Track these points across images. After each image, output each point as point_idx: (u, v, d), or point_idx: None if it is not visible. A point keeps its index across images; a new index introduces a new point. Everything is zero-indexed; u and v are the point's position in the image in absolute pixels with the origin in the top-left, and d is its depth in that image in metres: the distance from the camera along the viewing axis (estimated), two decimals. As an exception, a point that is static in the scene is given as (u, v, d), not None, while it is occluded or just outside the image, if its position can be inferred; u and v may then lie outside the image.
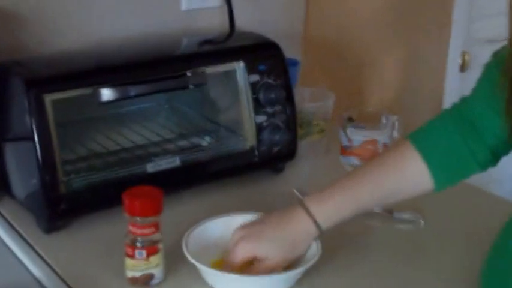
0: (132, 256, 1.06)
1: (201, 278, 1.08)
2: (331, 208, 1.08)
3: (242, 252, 1.06)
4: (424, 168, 1.06)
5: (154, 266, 1.07)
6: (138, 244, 1.05)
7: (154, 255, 1.06)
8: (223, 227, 1.13)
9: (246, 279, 1.05)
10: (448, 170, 1.06)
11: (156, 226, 1.06)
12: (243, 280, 1.05)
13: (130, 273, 1.07)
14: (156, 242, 1.06)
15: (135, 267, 1.06)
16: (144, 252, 1.06)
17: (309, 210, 1.07)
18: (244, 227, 1.10)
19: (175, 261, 1.10)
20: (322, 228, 1.07)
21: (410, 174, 1.08)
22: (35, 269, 1.11)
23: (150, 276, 1.07)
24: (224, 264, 1.08)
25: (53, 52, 1.38)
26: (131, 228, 1.06)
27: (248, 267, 1.07)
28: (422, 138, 1.08)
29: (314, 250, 1.08)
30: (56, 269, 1.12)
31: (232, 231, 1.09)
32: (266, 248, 1.06)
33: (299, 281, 1.08)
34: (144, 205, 1.05)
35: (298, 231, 1.07)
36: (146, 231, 1.05)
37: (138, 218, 1.05)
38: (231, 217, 1.15)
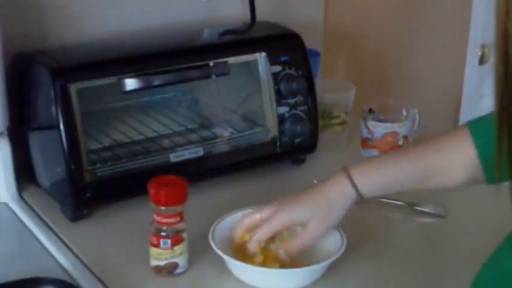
0: (156, 245, 1.07)
1: (225, 267, 1.08)
2: (371, 171, 1.05)
3: (280, 219, 1.05)
4: (475, 159, 1.00)
5: (179, 255, 1.08)
6: (163, 233, 1.06)
7: (179, 244, 1.07)
8: None
9: (272, 272, 1.05)
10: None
11: (181, 215, 1.07)
12: (269, 273, 1.05)
13: (154, 262, 1.08)
14: (180, 231, 1.07)
15: (160, 256, 1.07)
16: (169, 241, 1.06)
17: (348, 170, 1.04)
18: (279, 201, 1.08)
19: (199, 250, 1.11)
20: (359, 190, 1.03)
21: (460, 161, 1.02)
22: (60, 257, 1.13)
23: (174, 265, 1.08)
24: (245, 246, 1.07)
25: (75, 41, 1.39)
26: (156, 217, 1.06)
27: (273, 254, 1.06)
28: (480, 128, 1.02)
29: (339, 243, 1.08)
30: (81, 256, 1.13)
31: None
32: (301, 212, 1.04)
33: (323, 275, 1.08)
34: (169, 194, 1.06)
35: (333, 191, 1.04)
36: (171, 220, 1.06)
37: (162, 207, 1.06)
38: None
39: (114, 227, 1.21)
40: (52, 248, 1.15)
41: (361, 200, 1.05)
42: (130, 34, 1.43)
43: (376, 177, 1.05)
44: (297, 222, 1.05)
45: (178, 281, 1.08)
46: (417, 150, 1.08)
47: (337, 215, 1.05)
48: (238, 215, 1.13)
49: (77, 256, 1.13)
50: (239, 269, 1.07)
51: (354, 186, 1.04)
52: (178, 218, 1.07)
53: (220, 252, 1.06)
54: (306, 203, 1.06)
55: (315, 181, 1.34)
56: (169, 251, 1.07)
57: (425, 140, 1.08)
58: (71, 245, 1.16)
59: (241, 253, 1.07)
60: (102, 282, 1.07)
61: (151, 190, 1.06)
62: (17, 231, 1.23)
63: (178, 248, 1.07)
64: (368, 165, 1.07)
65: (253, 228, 1.07)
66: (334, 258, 1.05)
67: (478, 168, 1.01)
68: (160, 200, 1.05)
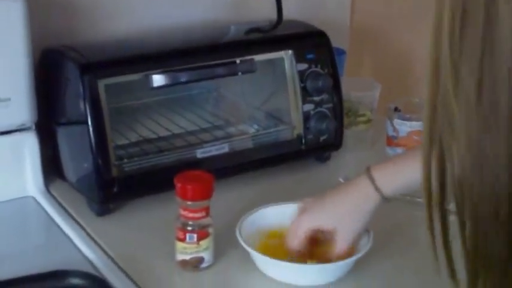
0: (182, 240, 1.08)
1: (250, 261, 1.09)
2: (393, 172, 1.05)
3: (305, 225, 1.06)
4: None
5: (204, 249, 1.08)
6: (189, 228, 1.07)
7: (205, 239, 1.08)
8: (279, 215, 1.13)
9: (297, 268, 1.05)
10: None
11: (207, 210, 1.08)
12: (294, 268, 1.05)
13: (180, 256, 1.09)
14: (206, 226, 1.08)
15: (186, 250, 1.08)
16: (195, 236, 1.07)
17: (370, 174, 1.05)
18: (305, 202, 1.09)
19: (224, 244, 1.12)
20: (383, 193, 1.04)
21: None
22: (87, 250, 1.14)
23: (200, 260, 1.09)
24: (282, 247, 1.08)
25: (103, 38, 1.40)
26: (182, 212, 1.07)
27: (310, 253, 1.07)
28: None
29: (366, 239, 1.08)
30: (108, 250, 1.14)
31: (285, 219, 1.09)
32: (326, 219, 1.06)
33: (349, 271, 1.08)
34: (196, 189, 1.06)
35: (357, 197, 1.06)
36: (197, 215, 1.07)
37: (189, 202, 1.06)
38: (287, 206, 1.14)
39: (140, 222, 1.22)
40: (78, 242, 1.16)
41: (385, 202, 1.06)
42: (157, 31, 1.44)
43: (398, 178, 1.06)
44: (321, 228, 1.06)
45: (204, 275, 1.09)
46: None
47: (363, 221, 1.06)
48: (267, 209, 1.14)
49: (103, 250, 1.14)
50: (264, 263, 1.07)
51: (377, 189, 1.04)
52: (204, 213, 1.07)
53: (246, 247, 1.06)
54: (330, 210, 1.07)
55: (340, 179, 1.34)
56: (195, 245, 1.07)
57: None
58: (97, 239, 1.17)
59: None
60: (128, 275, 1.08)
61: (178, 185, 1.07)
62: (43, 225, 1.25)
63: (204, 243, 1.08)
64: (389, 166, 1.07)
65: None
66: (361, 254, 1.06)
67: None
68: (187, 194, 1.06)
